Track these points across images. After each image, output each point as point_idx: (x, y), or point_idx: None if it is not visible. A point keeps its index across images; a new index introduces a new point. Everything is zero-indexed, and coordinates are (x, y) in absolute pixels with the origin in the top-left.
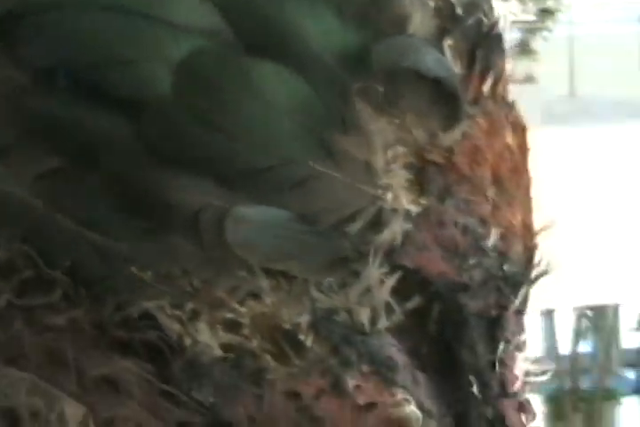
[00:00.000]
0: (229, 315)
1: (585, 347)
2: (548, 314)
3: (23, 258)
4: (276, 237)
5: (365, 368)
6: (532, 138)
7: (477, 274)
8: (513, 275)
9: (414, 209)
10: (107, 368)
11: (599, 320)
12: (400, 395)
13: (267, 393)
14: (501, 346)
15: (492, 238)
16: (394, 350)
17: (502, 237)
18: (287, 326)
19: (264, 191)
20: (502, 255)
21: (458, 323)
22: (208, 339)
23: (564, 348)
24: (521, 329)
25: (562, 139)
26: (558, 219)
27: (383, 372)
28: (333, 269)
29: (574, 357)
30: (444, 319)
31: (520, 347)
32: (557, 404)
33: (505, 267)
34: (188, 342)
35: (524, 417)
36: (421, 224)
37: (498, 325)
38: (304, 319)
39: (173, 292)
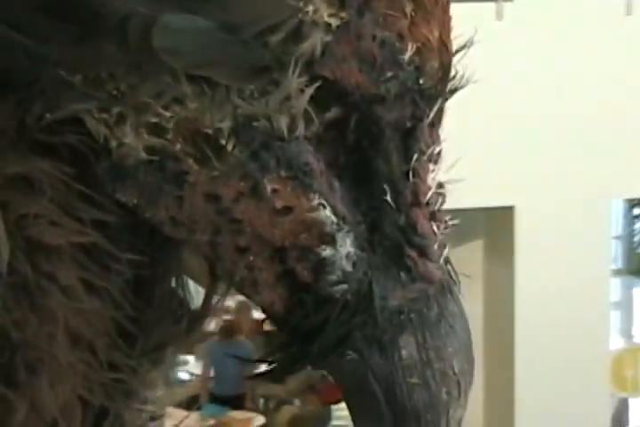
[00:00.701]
0: (154, 119)
1: None
2: None
3: None
4: (200, 44)
5: (283, 173)
6: None
7: (393, 86)
8: (428, 88)
9: (334, 22)
10: (20, 167)
11: None
12: (316, 200)
13: (188, 195)
14: (415, 156)
15: (409, 53)
16: (311, 157)
17: (419, 51)
18: (209, 131)
19: (190, 0)
20: (418, 69)
21: (374, 134)
22: (133, 141)
23: None
24: (435, 141)
25: None
26: None
27: (300, 177)
28: (255, 77)
29: None
30: (361, 130)
31: (433, 158)
32: None
33: (420, 81)
34: (113, 144)
35: (435, 226)
36: (341, 37)
37: (412, 136)
38: (225, 125)
39: (101, 96)
